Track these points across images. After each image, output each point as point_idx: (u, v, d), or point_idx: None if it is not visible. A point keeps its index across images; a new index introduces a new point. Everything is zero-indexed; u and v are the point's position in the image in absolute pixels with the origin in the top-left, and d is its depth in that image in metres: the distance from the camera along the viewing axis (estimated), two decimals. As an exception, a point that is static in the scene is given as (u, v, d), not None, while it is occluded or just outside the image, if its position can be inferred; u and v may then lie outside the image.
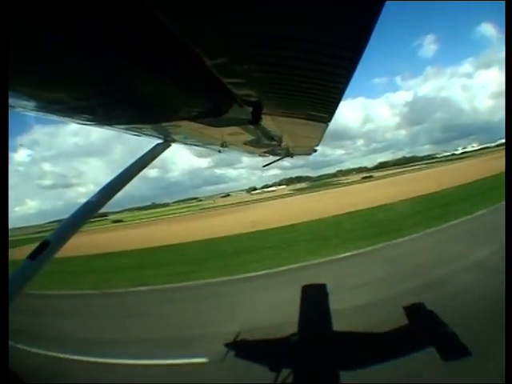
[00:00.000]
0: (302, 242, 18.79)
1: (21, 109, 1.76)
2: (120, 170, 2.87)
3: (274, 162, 5.29)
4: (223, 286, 12.94)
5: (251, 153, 4.94)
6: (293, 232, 23.31)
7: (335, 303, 8.65)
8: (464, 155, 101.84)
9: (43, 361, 8.20)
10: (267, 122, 2.50)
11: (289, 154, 5.08)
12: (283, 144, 4.11)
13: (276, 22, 1.06)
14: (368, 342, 6.75)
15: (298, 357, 6.72)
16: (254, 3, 0.94)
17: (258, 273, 13.86)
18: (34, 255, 2.26)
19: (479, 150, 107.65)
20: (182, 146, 3.62)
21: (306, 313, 8.37)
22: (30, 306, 12.70)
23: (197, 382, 6.51)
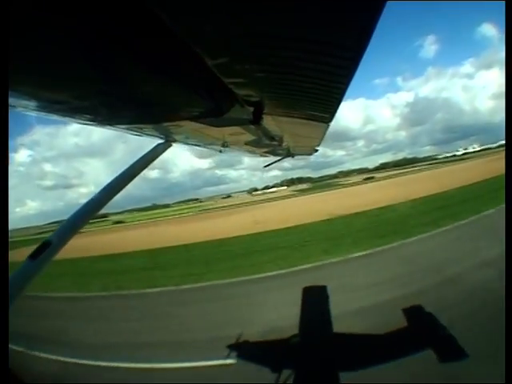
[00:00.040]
0: (313, 242, 18.74)
1: (21, 108, 1.76)
2: (121, 171, 2.88)
3: (275, 162, 5.29)
4: (239, 287, 12.78)
5: (252, 153, 4.94)
6: (302, 232, 23.24)
7: (356, 302, 8.78)
8: (465, 156, 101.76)
9: (61, 367, 7.98)
10: (268, 121, 2.50)
11: (290, 154, 5.08)
12: (284, 144, 4.11)
13: (277, 21, 1.06)
14: (390, 340, 6.80)
15: (320, 358, 6.68)
16: (255, 3, 0.94)
17: (273, 273, 13.75)
18: (34, 255, 2.26)
19: (480, 151, 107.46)
20: (183, 146, 3.63)
21: (324, 313, 8.35)
22: (44, 309, 12.73)
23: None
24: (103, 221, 79.93)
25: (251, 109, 2.00)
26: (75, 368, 7.91)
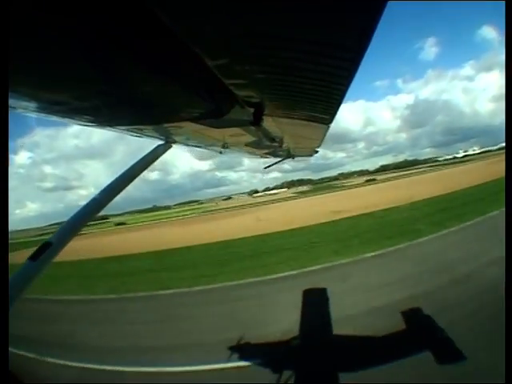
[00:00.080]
0: (322, 243, 18.63)
1: (21, 110, 1.76)
2: (121, 172, 2.88)
3: (276, 163, 5.28)
4: (252, 288, 12.60)
5: (252, 154, 4.94)
6: (308, 234, 23.11)
7: (370, 301, 8.82)
8: (466, 158, 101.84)
9: (80, 374, 7.75)
10: (268, 123, 2.50)
11: (290, 155, 5.07)
12: (284, 145, 4.11)
13: (277, 22, 1.05)
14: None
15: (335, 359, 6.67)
16: (255, 3, 0.94)
17: (285, 273, 13.60)
18: (35, 256, 2.26)
19: (481, 153, 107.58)
20: (183, 148, 3.63)
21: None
22: (54, 313, 12.59)
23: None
24: (104, 222, 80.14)
25: (251, 110, 2.00)
26: (91, 373, 7.73)
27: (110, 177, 2.89)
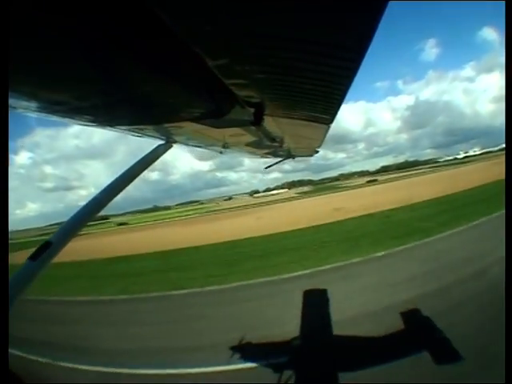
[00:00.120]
0: (331, 243, 18.55)
1: (22, 109, 1.76)
2: (121, 172, 2.88)
3: (276, 163, 5.28)
4: (265, 288, 12.49)
5: (253, 154, 4.94)
6: (316, 234, 23.05)
7: (384, 299, 8.87)
8: (466, 159, 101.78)
9: (101, 378, 7.59)
10: (269, 123, 2.49)
11: (290, 155, 5.06)
12: (285, 145, 4.10)
13: (277, 22, 1.05)
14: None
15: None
16: (255, 3, 0.94)
17: (299, 273, 13.48)
18: (35, 256, 2.26)
19: (481, 154, 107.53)
20: (184, 148, 3.63)
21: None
22: (70, 315, 12.29)
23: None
24: (105, 223, 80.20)
25: (252, 110, 1.99)
26: (105, 377, 7.60)
27: (111, 177, 2.89)
